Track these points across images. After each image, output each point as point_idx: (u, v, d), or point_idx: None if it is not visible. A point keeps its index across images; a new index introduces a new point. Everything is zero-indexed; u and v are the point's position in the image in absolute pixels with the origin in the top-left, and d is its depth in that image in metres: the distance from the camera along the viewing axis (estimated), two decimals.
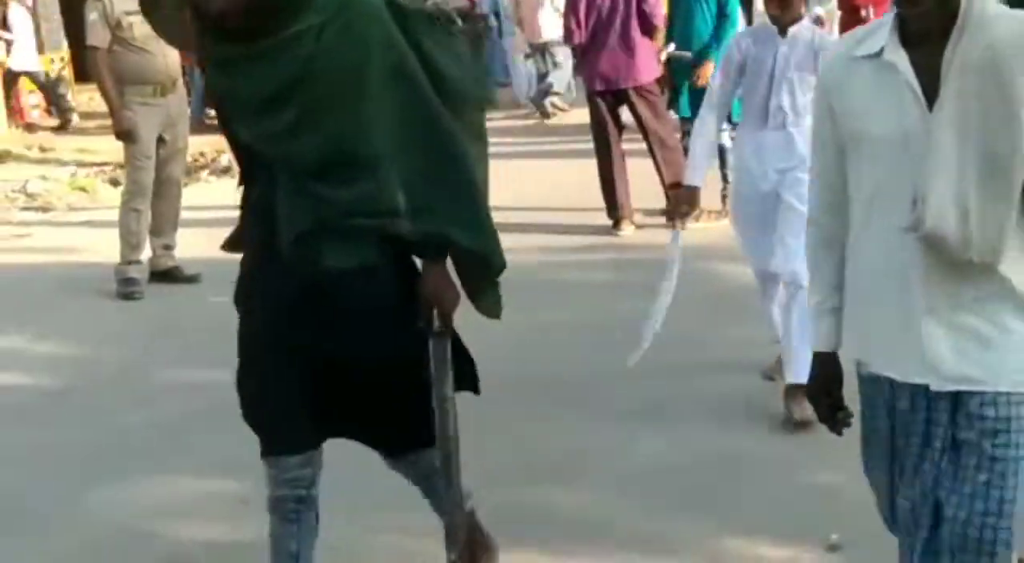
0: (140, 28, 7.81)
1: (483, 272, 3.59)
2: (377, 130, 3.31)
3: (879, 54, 2.70)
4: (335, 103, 3.28)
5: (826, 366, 2.98)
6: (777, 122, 5.42)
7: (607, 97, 8.82)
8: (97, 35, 7.82)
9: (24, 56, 16.82)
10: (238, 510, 4.70)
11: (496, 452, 5.15)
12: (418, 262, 3.51)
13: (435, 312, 3.43)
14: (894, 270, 2.75)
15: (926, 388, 2.76)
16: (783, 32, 5.38)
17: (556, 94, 14.45)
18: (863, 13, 10.80)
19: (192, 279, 8.17)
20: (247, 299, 3.58)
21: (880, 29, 2.73)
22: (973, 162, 2.61)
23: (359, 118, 3.29)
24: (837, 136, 2.83)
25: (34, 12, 17.60)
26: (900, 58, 2.67)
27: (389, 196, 3.32)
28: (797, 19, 5.41)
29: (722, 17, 8.67)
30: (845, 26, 10.53)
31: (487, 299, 3.65)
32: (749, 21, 12.29)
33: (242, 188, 3.57)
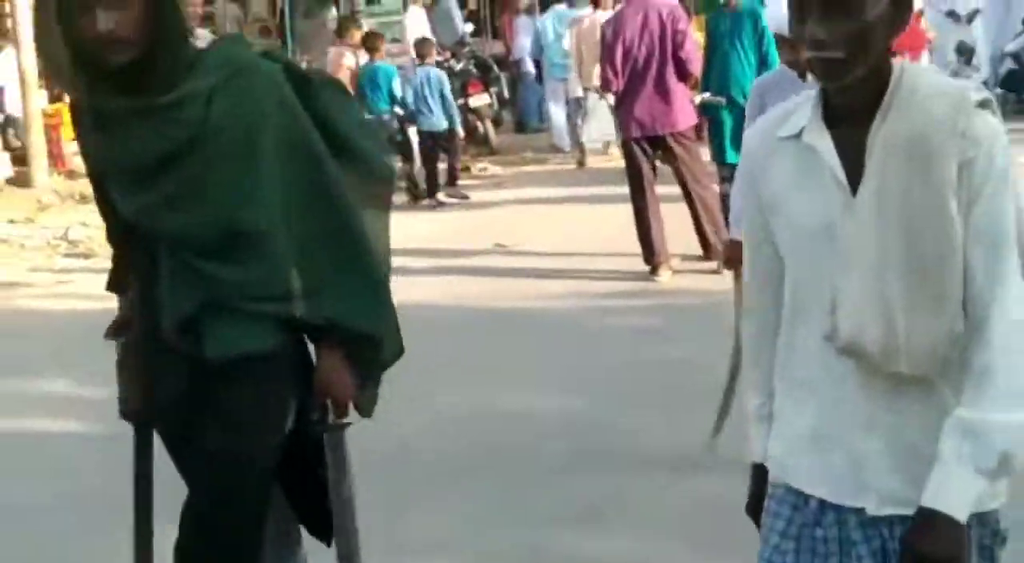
0: None
1: (373, 360, 3.27)
2: (269, 204, 3.04)
3: (799, 135, 2.35)
4: (223, 173, 3.01)
5: (765, 481, 2.61)
6: None
7: (643, 143, 8.87)
8: None
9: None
10: None
11: (535, 495, 5.17)
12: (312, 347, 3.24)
13: (329, 403, 3.19)
14: (827, 379, 2.36)
15: (859, 511, 2.36)
16: (803, 76, 4.90)
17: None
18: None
19: None
20: (128, 389, 3.30)
21: (803, 105, 2.38)
22: (897, 262, 2.24)
23: (249, 190, 3.02)
24: (768, 228, 2.45)
25: None
26: (822, 140, 2.31)
27: (282, 276, 3.06)
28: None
29: (762, 64, 8.68)
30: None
31: (366, 391, 3.32)
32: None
33: (116, 268, 3.30)
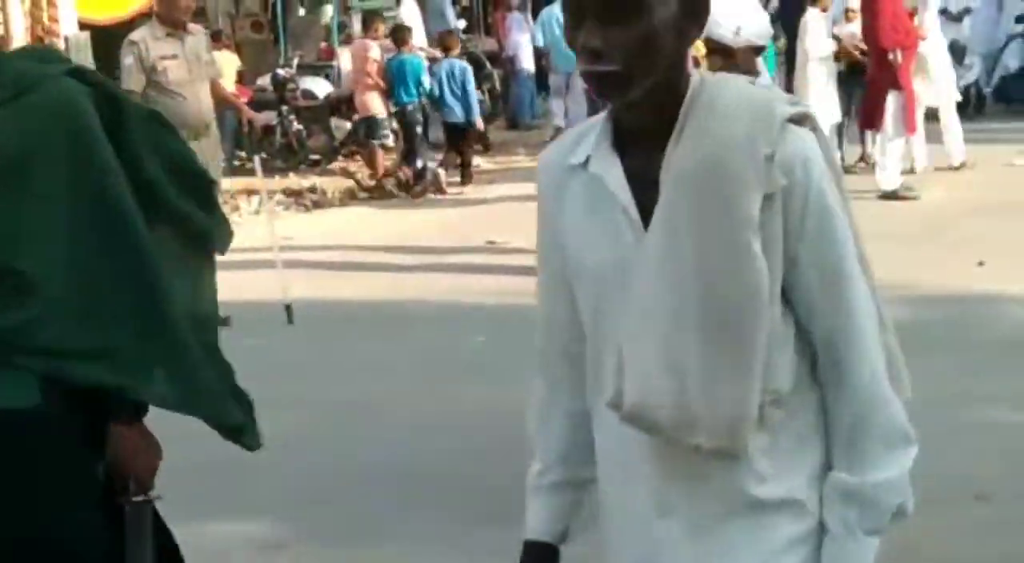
0: (175, 72, 7.93)
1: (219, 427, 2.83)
2: (41, 246, 2.58)
3: (587, 163, 1.98)
4: None
5: (533, 560, 2.16)
6: None
7: None
8: (132, 79, 7.91)
9: None
10: (271, 555, 4.71)
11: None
12: None
13: (130, 478, 2.77)
14: (623, 453, 2.01)
15: None
16: None
17: None
18: (890, 57, 10.77)
19: (222, 322, 8.16)
20: None
21: (595, 127, 2.01)
22: (692, 314, 1.88)
23: (14, 227, 2.56)
24: (564, 268, 2.08)
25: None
26: (610, 168, 1.95)
27: (52, 330, 2.57)
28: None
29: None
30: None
31: (243, 436, 2.93)
32: (788, 87, 12.34)
33: None
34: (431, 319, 8.07)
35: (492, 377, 6.76)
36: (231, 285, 8.53)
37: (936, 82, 11.98)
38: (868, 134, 11.95)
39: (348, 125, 14.42)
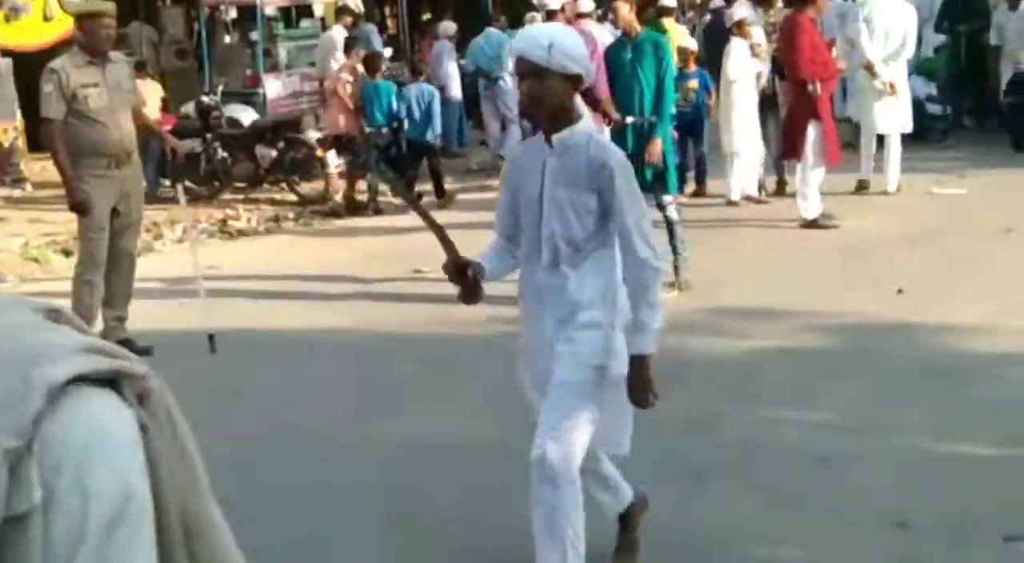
0: (96, 101, 7.87)
1: None
2: None
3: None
4: None
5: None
6: (550, 257, 4.34)
7: None
8: (52, 107, 7.84)
9: None
10: None
11: (457, 526, 5.14)
12: None
13: None
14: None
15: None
16: (548, 140, 4.27)
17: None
18: (809, 88, 10.93)
19: (145, 351, 8.11)
20: None
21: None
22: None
23: None
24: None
25: None
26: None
27: None
28: (567, 120, 4.27)
29: (659, 92, 8.84)
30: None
31: None
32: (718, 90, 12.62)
33: None
34: (356, 349, 8.05)
35: (417, 408, 6.76)
36: (154, 314, 8.54)
37: (895, 110, 12.57)
38: (787, 164, 12.13)
39: (274, 153, 14.37)
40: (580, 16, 11.82)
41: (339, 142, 13.97)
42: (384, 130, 13.73)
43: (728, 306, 8.50)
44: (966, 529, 4.88)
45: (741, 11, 12.61)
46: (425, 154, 13.96)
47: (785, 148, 11.45)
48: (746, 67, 12.27)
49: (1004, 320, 7.67)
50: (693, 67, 12.90)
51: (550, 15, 8.97)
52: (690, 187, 12.72)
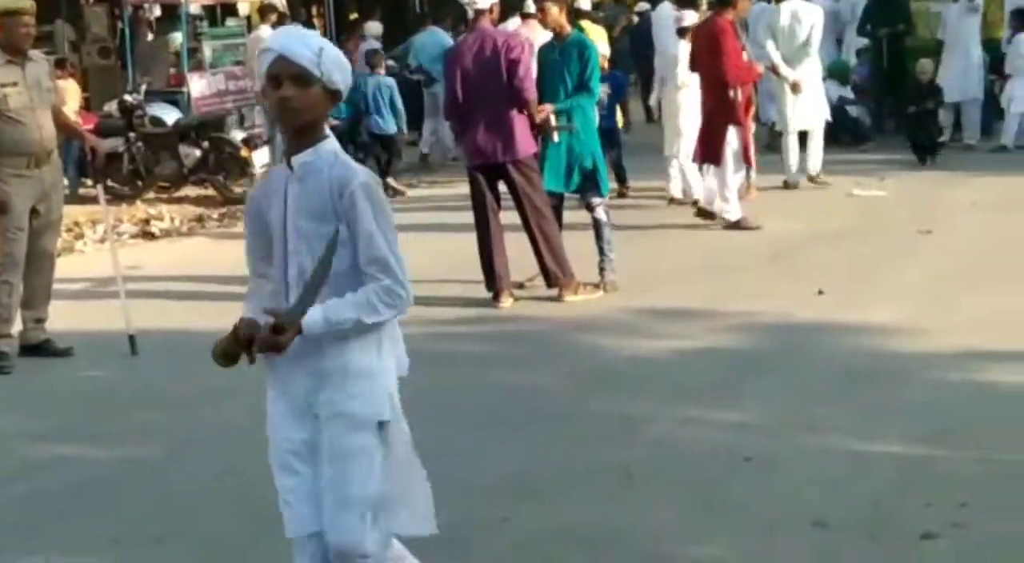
0: (15, 99, 7.77)
1: None
2: None
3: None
4: None
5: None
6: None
7: (485, 171, 8.90)
8: None
9: None
10: None
11: None
12: None
13: None
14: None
15: None
16: (289, 162, 3.69)
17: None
18: (731, 94, 10.97)
19: (64, 353, 8.02)
20: None
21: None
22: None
23: None
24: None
25: None
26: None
27: None
28: (313, 139, 3.64)
29: (581, 87, 8.89)
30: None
31: None
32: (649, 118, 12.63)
33: None
34: None
35: None
36: (74, 315, 8.44)
37: (810, 106, 13.04)
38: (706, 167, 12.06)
39: (198, 152, 14.26)
40: (525, 17, 11.82)
41: None
42: (340, 123, 13.97)
43: (653, 306, 8.54)
44: (884, 527, 4.94)
45: (691, 16, 12.60)
46: (387, 146, 14.43)
47: (704, 153, 11.34)
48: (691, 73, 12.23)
49: (923, 321, 7.78)
50: (604, 71, 12.89)
51: (477, 15, 8.91)
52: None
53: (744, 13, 11.87)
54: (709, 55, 11.14)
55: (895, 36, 16.31)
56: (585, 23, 15.63)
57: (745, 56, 11.32)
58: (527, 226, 8.90)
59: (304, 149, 3.62)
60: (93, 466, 5.94)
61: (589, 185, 9.01)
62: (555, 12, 9.12)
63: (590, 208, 9.04)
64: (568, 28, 9.29)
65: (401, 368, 3.97)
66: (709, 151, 11.22)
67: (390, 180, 14.19)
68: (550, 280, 8.90)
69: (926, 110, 14.44)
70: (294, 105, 3.55)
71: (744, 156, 11.29)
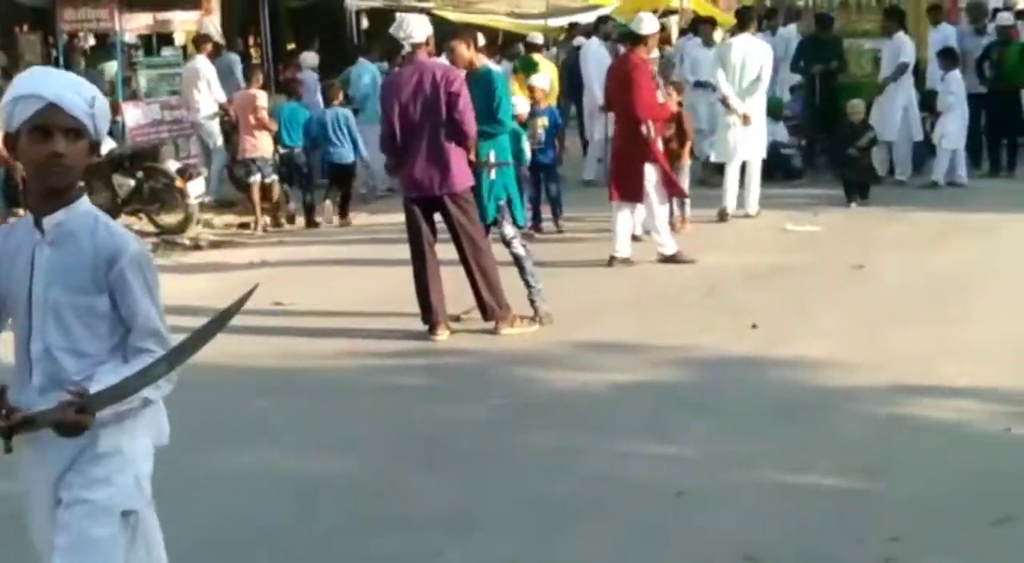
0: None
1: None
2: None
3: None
4: None
5: None
6: (44, 380, 3.30)
7: (421, 203, 8.89)
8: None
9: None
10: None
11: (311, 558, 5.09)
12: None
13: None
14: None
15: None
16: (39, 223, 3.30)
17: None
18: (643, 130, 10.94)
19: None
20: None
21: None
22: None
23: None
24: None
25: None
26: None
27: None
28: (68, 198, 3.35)
29: (490, 119, 8.93)
30: None
31: None
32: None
33: None
34: (210, 382, 7.92)
35: (267, 443, 6.68)
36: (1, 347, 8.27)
37: (752, 139, 13.41)
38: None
39: (132, 182, 14.13)
40: (480, 50, 11.83)
41: (253, 164, 14.32)
42: (296, 151, 14.53)
43: (589, 340, 8.57)
44: (814, 560, 4.97)
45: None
46: (346, 176, 14.63)
47: (623, 191, 11.05)
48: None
49: (854, 355, 7.86)
50: (543, 105, 12.99)
51: (414, 48, 8.92)
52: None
53: (652, 49, 11.97)
54: (621, 92, 11.13)
55: (828, 73, 16.53)
56: (537, 56, 15.73)
57: (660, 96, 11.29)
58: (463, 259, 8.91)
59: (56, 209, 3.25)
60: None
61: (504, 217, 9.06)
62: (462, 49, 9.16)
63: (507, 243, 9.06)
64: (479, 62, 9.29)
65: (161, 438, 3.57)
66: (625, 189, 11.04)
67: (341, 214, 14.53)
68: (486, 313, 8.91)
69: (859, 148, 14.62)
70: (67, 163, 3.20)
71: (671, 189, 11.30)
